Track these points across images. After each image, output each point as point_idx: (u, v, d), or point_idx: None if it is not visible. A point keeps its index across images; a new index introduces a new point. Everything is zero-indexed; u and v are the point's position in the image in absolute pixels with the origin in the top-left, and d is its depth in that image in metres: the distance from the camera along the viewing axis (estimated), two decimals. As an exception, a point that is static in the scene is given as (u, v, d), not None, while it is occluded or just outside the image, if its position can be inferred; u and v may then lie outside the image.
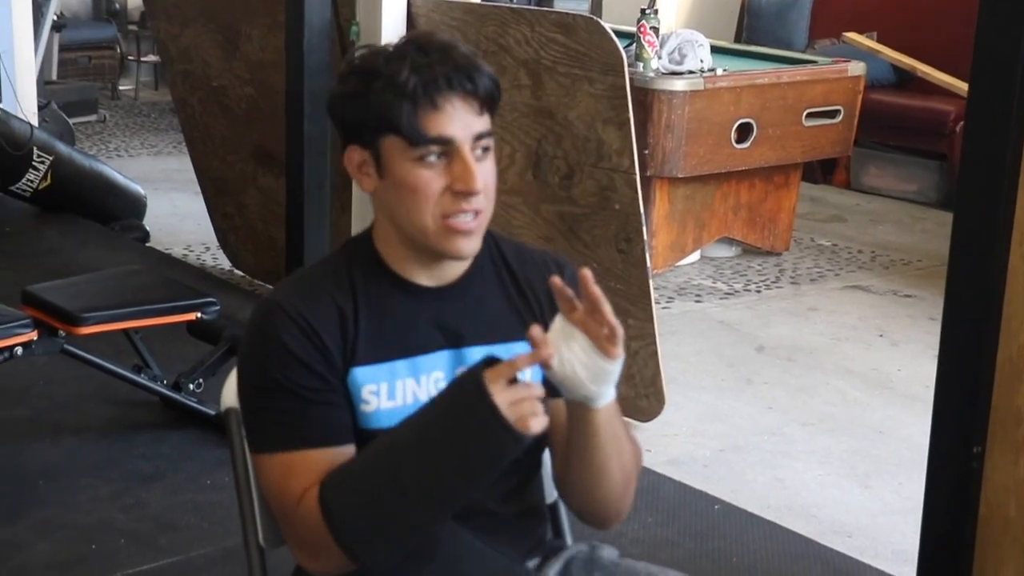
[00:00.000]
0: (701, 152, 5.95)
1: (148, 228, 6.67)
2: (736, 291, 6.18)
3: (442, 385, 1.82)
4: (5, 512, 3.52)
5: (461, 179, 1.75)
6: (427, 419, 1.70)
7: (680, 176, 5.99)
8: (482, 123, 1.77)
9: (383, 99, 1.74)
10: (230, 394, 1.96)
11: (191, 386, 4.01)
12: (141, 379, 3.96)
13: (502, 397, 1.61)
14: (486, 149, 1.79)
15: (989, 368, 2.81)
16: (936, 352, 2.93)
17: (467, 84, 1.74)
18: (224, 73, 5.57)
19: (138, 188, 6.79)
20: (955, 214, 2.86)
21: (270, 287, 5.68)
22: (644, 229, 4.12)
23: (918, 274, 6.51)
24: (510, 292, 1.91)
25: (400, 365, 1.81)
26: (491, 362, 1.65)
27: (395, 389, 1.81)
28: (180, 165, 7.72)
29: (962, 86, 6.94)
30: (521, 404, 1.61)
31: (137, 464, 3.84)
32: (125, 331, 3.91)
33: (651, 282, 4.08)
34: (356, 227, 4.75)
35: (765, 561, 3.46)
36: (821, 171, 8.26)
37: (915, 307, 5.98)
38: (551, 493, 2.08)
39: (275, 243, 5.39)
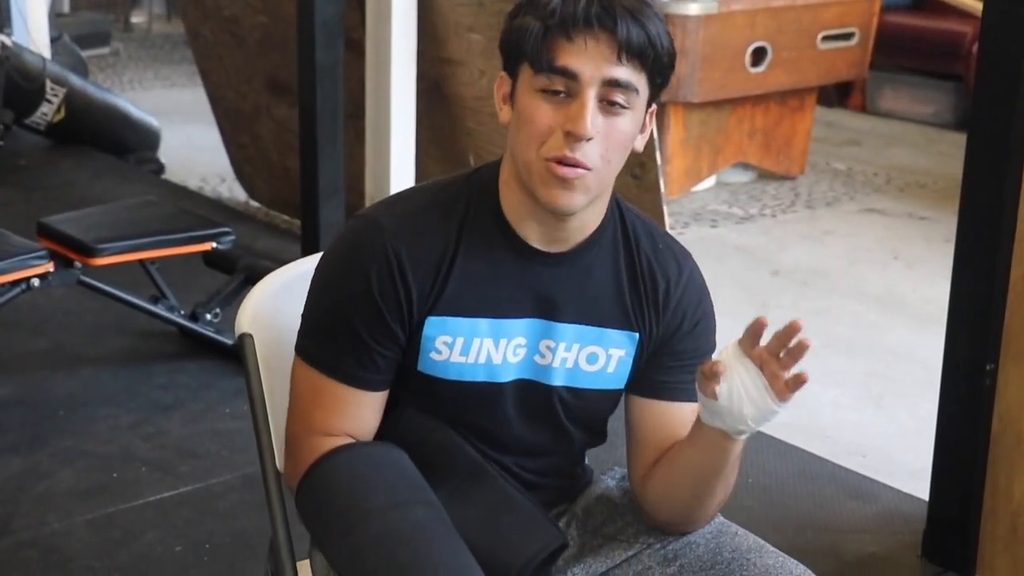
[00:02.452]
0: (716, 77, 5.92)
1: (163, 161, 6.68)
2: (751, 216, 6.18)
3: (521, 352, 1.75)
4: (27, 442, 3.55)
5: (572, 119, 1.62)
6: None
7: (695, 101, 5.96)
8: (620, 71, 1.63)
9: (524, 22, 1.65)
10: (245, 319, 1.97)
11: (208, 316, 4.03)
12: (158, 310, 3.98)
13: None
14: (623, 105, 1.65)
15: (1002, 286, 2.82)
16: (951, 273, 2.93)
17: (608, 24, 1.61)
18: (235, 2, 5.54)
19: (152, 120, 6.79)
20: (969, 134, 2.86)
21: (285, 217, 5.70)
22: (658, 155, 4.11)
23: (933, 196, 6.49)
24: (623, 275, 1.79)
25: (483, 323, 1.73)
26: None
27: (470, 346, 1.74)
28: (194, 97, 7.71)
29: (978, 6, 6.88)
30: None
31: (156, 394, 3.87)
32: (141, 262, 3.92)
33: (665, 208, 4.08)
34: (370, 156, 4.75)
35: (781, 481, 3.48)
36: (836, 94, 8.21)
37: (930, 229, 5.97)
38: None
39: (290, 173, 5.39)
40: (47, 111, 6.36)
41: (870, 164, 7.14)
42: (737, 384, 1.61)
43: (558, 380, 1.79)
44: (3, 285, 3.60)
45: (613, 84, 1.64)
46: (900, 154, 7.38)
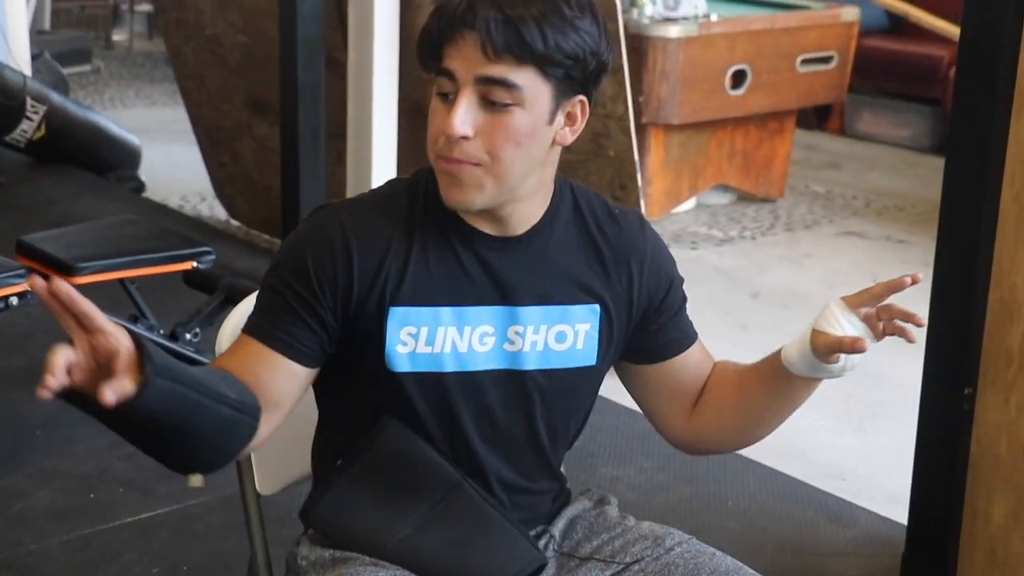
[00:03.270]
0: (696, 99, 5.94)
1: (144, 179, 6.66)
2: (731, 238, 6.19)
3: (489, 341, 1.77)
4: (4, 461, 3.53)
5: (445, 120, 1.67)
6: None
7: (675, 123, 5.98)
8: (493, 69, 1.64)
9: (425, 25, 1.71)
10: (225, 339, 1.97)
11: (188, 336, 4.02)
12: (137, 329, 3.96)
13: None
14: (508, 103, 1.66)
15: (980, 309, 2.83)
16: (929, 297, 2.94)
17: (471, 22, 1.64)
18: (217, 21, 5.55)
19: (133, 138, 6.77)
20: (947, 158, 2.88)
21: (267, 236, 5.70)
22: (639, 176, 4.13)
23: (912, 220, 6.51)
24: (579, 252, 1.82)
25: (445, 312, 1.75)
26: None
27: (435, 335, 1.75)
28: (175, 115, 7.70)
29: (955, 31, 6.91)
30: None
31: (135, 413, 3.85)
32: (121, 281, 3.91)
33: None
34: (352, 177, 4.75)
35: (760, 504, 3.49)
36: (815, 118, 8.25)
37: (909, 252, 6.00)
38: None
39: (271, 192, 5.38)
40: (27, 128, 6.34)
41: (849, 187, 7.16)
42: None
43: (531, 364, 1.80)
44: (-18, 304, 3.59)
45: (488, 82, 1.66)
46: (879, 177, 7.41)
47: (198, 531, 3.23)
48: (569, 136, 1.76)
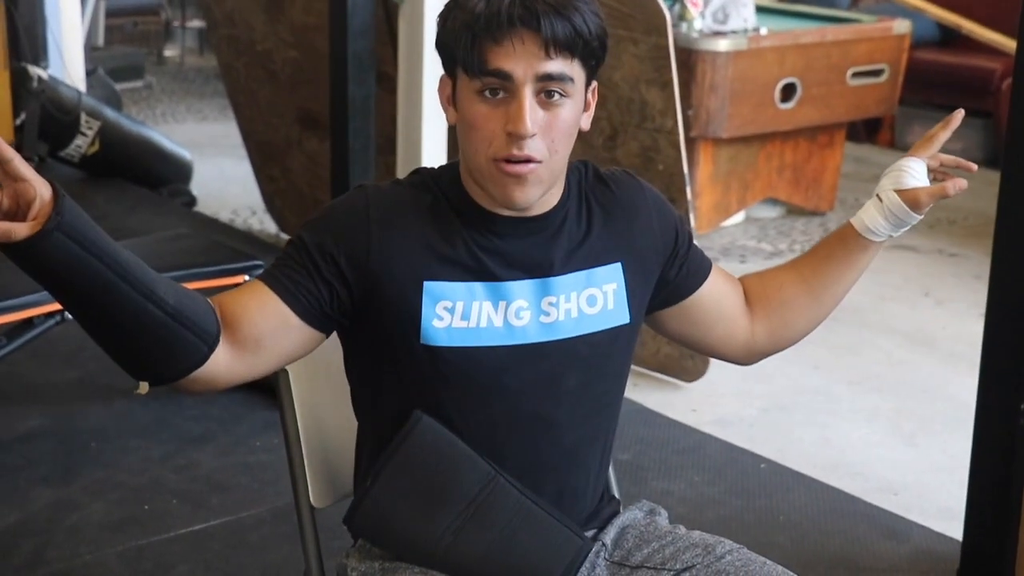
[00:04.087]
0: (745, 112, 5.93)
1: (195, 193, 6.72)
2: (781, 251, 6.17)
3: (525, 315, 1.80)
4: (59, 473, 3.57)
5: (512, 120, 1.70)
6: None
7: (724, 137, 5.97)
8: (551, 66, 1.69)
9: (453, 27, 1.73)
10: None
11: (239, 348, 4.04)
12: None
13: None
14: (561, 95, 1.72)
15: (1036, 324, 2.81)
16: (981, 311, 2.93)
17: (532, 23, 1.68)
18: (269, 37, 5.59)
19: (185, 153, 6.83)
20: (1003, 171, 2.86)
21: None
22: (688, 190, 4.12)
23: (963, 233, 6.47)
24: (591, 219, 1.87)
25: (478, 287, 1.79)
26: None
27: (470, 309, 1.79)
28: (226, 130, 7.77)
29: (1008, 43, 6.87)
30: None
31: (187, 426, 3.89)
32: (174, 294, 3.94)
33: (695, 243, 4.09)
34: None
35: (811, 519, 3.47)
36: (865, 131, 8.21)
37: (960, 266, 5.95)
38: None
39: (320, 205, 5.40)
40: (81, 144, 6.41)
41: (900, 200, 7.11)
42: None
43: (568, 332, 1.83)
44: (38, 317, 3.63)
45: (547, 78, 1.71)
46: (930, 190, 7.35)
47: (251, 543, 3.25)
48: (586, 122, 1.82)
